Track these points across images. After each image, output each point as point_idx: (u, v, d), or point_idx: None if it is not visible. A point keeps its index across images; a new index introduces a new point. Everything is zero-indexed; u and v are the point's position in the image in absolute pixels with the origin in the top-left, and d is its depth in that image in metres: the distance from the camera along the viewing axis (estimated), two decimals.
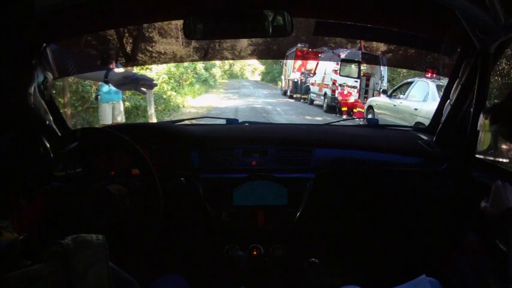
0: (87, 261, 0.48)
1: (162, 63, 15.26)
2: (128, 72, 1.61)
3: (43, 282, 0.45)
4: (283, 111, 12.29)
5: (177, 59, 15.58)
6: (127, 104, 8.33)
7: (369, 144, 1.70)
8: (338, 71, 12.38)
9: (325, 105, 12.81)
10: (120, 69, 6.06)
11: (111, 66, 4.98)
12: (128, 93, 7.74)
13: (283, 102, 15.58)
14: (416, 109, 7.26)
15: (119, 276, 0.54)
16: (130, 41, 11.28)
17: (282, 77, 19.82)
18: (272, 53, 23.63)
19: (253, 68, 42.33)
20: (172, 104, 12.09)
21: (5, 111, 0.48)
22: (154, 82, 1.70)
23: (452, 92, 1.57)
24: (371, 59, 12.70)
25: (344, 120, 4.22)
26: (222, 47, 20.71)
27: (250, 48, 25.30)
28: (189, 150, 1.57)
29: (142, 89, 1.62)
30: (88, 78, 5.14)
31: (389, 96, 8.76)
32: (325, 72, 13.18)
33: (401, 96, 8.45)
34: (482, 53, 1.32)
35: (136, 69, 10.91)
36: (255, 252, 1.54)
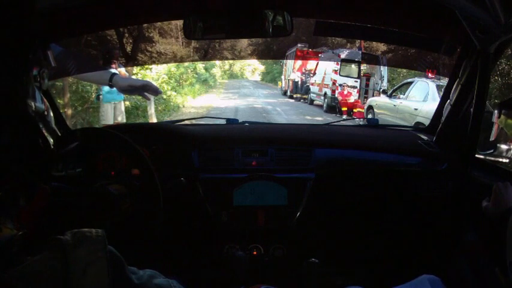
0: (87, 259, 0.48)
1: (162, 63, 15.25)
2: (134, 79, 1.63)
3: (40, 278, 0.45)
4: (283, 111, 12.28)
5: (177, 59, 15.58)
6: (127, 103, 8.33)
7: (369, 144, 1.70)
8: (338, 71, 12.37)
9: (325, 105, 12.80)
10: (122, 69, 6.05)
11: (113, 66, 4.97)
12: None
13: (283, 102, 15.57)
14: (416, 109, 7.25)
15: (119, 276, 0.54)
16: (130, 41, 11.27)
17: (282, 77, 19.81)
18: (272, 53, 23.62)
19: (253, 68, 42.33)
20: (172, 104, 12.09)
21: (4, 111, 0.48)
22: (159, 90, 1.72)
23: (452, 92, 1.57)
24: (371, 59, 12.70)
25: (344, 120, 4.22)
26: (222, 47, 20.69)
27: (250, 48, 25.29)
28: (189, 150, 1.57)
29: (147, 94, 1.63)
30: (92, 82, 5.15)
31: (390, 96, 8.75)
32: (325, 72, 13.17)
33: (401, 96, 8.45)
34: (482, 53, 1.32)
35: (136, 69, 10.91)
36: (255, 252, 1.54)
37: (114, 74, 1.62)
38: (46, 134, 0.54)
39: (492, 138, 1.24)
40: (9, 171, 0.49)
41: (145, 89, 1.60)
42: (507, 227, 0.96)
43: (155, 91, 1.65)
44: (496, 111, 1.14)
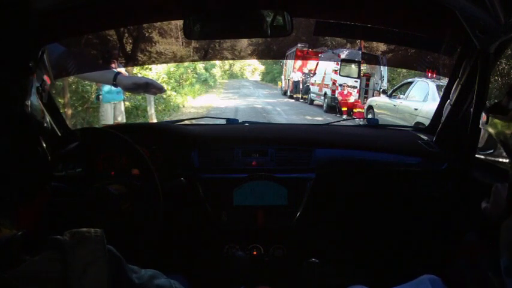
0: (86, 259, 0.48)
1: (162, 63, 15.26)
2: (137, 77, 1.65)
3: (40, 278, 0.45)
4: (283, 111, 12.28)
5: (177, 59, 15.58)
6: (127, 103, 8.34)
7: (369, 144, 1.70)
8: (338, 71, 12.38)
9: (325, 105, 12.80)
10: (122, 69, 6.05)
11: (113, 66, 4.97)
12: (127, 93, 7.75)
13: (283, 102, 15.57)
14: (416, 109, 7.26)
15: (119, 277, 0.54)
16: (130, 41, 11.26)
17: (282, 77, 19.82)
18: (272, 53, 23.61)
19: (253, 68, 42.36)
20: (172, 104, 12.10)
21: (4, 113, 0.48)
22: (163, 87, 1.74)
23: (452, 92, 1.57)
24: (371, 59, 12.70)
25: (344, 120, 4.22)
26: (222, 47, 20.68)
27: (250, 48, 25.29)
28: (189, 150, 1.57)
29: (151, 91, 1.66)
30: (95, 81, 5.15)
31: (390, 96, 8.76)
32: (325, 72, 13.18)
33: (401, 96, 8.45)
34: (482, 53, 1.32)
35: (136, 70, 10.93)
36: (255, 252, 1.54)
37: (118, 73, 1.63)
38: (46, 134, 0.54)
39: (481, 144, 1.23)
40: (8, 172, 0.49)
41: (149, 86, 1.62)
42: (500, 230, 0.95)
43: (159, 89, 1.66)
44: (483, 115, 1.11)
